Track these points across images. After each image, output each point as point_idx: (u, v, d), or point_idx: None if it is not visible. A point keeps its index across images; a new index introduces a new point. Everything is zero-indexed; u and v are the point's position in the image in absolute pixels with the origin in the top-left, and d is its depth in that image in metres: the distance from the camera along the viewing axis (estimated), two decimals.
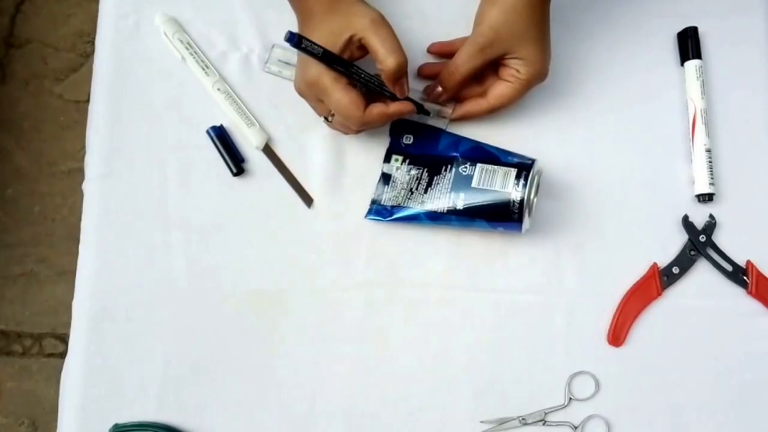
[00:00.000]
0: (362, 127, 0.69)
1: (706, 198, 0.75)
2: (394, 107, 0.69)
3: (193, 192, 0.75)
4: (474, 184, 0.69)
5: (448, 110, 0.74)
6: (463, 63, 0.70)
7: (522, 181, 0.67)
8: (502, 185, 0.68)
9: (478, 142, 0.74)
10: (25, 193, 1.56)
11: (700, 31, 0.78)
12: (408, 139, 0.75)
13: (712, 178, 0.74)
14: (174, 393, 0.71)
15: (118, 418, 0.70)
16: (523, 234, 0.70)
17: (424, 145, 0.74)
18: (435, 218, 0.71)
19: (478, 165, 0.70)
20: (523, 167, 0.68)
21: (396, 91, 0.68)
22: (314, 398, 0.72)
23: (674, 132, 0.77)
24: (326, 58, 0.65)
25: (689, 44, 0.78)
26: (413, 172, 0.73)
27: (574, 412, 0.72)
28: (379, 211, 0.73)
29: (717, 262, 0.74)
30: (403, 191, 0.73)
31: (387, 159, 0.75)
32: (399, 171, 0.74)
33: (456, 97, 0.74)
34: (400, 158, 0.74)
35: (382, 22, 0.66)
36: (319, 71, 0.65)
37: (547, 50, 0.70)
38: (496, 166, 0.69)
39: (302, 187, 0.75)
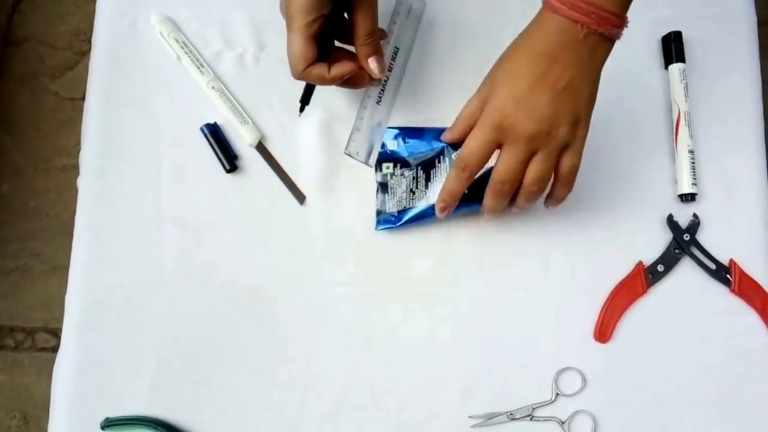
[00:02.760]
0: (299, 78, 0.65)
1: (688, 198, 0.74)
2: (335, 70, 0.64)
3: (187, 188, 0.73)
4: None
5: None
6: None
7: None
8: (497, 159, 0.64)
9: None
10: (20, 188, 1.55)
11: (684, 35, 0.77)
12: (393, 145, 0.72)
13: (694, 179, 0.74)
14: (165, 387, 0.70)
15: (110, 412, 0.69)
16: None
17: (410, 146, 0.72)
18: None
19: None
20: None
21: (369, 66, 0.66)
22: (305, 393, 0.70)
23: (659, 133, 0.76)
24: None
25: (673, 48, 0.77)
26: (407, 173, 0.71)
27: (561, 408, 0.70)
28: (387, 219, 0.72)
29: (701, 260, 0.73)
30: (404, 194, 0.71)
31: (378, 168, 0.72)
32: (394, 177, 0.71)
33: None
34: (391, 164, 0.72)
35: None
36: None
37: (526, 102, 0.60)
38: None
39: (295, 184, 0.73)
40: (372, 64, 0.66)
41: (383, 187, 0.72)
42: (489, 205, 0.64)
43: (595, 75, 0.61)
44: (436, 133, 0.70)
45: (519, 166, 0.61)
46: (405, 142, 0.72)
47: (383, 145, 0.72)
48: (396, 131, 0.72)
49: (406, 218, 0.71)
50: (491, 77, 0.62)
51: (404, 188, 0.71)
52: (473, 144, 0.61)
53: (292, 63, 0.63)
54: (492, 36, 0.70)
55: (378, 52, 0.66)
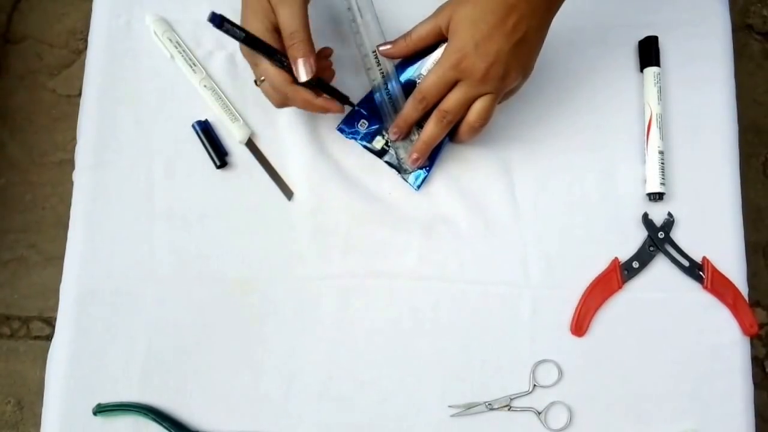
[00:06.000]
0: (284, 102, 0.67)
1: (656, 197, 0.75)
2: (320, 102, 0.66)
3: (178, 183, 0.74)
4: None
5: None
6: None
7: None
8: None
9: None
10: (16, 182, 1.55)
11: (660, 40, 0.78)
12: (363, 125, 0.74)
13: (663, 179, 0.74)
14: (156, 375, 0.71)
15: (102, 399, 0.69)
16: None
17: (375, 113, 0.74)
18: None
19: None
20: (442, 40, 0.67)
21: (296, 71, 0.64)
22: (290, 382, 0.71)
23: (632, 134, 0.77)
24: (248, 41, 0.63)
25: (649, 52, 0.78)
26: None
27: (538, 399, 0.71)
28: (417, 175, 0.74)
29: (674, 257, 0.74)
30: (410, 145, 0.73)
31: (378, 151, 0.74)
32: (390, 144, 0.74)
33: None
34: (378, 137, 0.74)
35: None
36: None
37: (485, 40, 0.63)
38: (419, 62, 0.70)
39: (283, 180, 0.74)
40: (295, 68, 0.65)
41: (396, 154, 0.74)
42: (429, 131, 0.68)
43: (547, 28, 0.65)
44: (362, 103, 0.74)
45: (466, 101, 0.66)
46: (371, 116, 0.74)
47: (358, 133, 0.74)
48: (343, 134, 0.75)
49: (432, 160, 0.74)
50: (449, 16, 0.64)
51: (405, 142, 0.73)
52: (432, 79, 0.66)
53: (276, 84, 0.65)
54: None
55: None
